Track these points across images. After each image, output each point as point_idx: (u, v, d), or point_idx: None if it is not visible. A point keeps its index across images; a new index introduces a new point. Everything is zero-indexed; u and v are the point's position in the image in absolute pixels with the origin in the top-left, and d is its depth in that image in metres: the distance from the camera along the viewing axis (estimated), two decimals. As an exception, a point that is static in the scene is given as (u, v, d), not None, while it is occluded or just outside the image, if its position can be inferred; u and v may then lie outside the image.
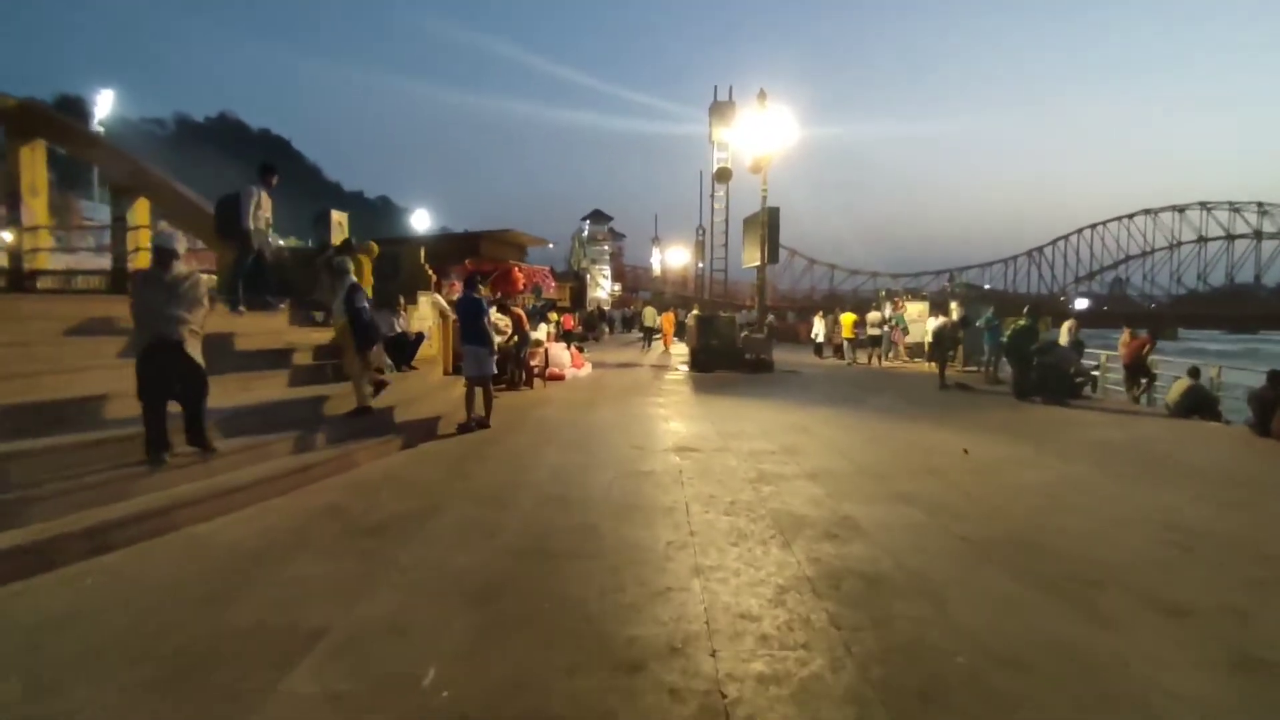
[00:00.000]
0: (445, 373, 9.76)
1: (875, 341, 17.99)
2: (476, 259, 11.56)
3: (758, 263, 17.26)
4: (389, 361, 8.27)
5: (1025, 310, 12.42)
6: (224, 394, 5.23)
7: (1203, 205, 75.21)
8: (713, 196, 17.22)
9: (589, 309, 42.95)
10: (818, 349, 20.94)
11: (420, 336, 8.91)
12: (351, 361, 6.45)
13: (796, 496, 5.04)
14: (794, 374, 15.53)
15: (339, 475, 5.31)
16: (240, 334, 6.72)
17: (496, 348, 12.33)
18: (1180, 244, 75.96)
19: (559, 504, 4.78)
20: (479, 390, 7.71)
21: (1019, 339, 11.62)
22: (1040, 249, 79.29)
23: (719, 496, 5.01)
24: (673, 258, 52.27)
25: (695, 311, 33.02)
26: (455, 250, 11.41)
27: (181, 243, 4.96)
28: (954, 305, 18.23)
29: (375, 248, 9.11)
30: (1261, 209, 73.30)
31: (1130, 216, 76.94)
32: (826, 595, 3.32)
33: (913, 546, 4.04)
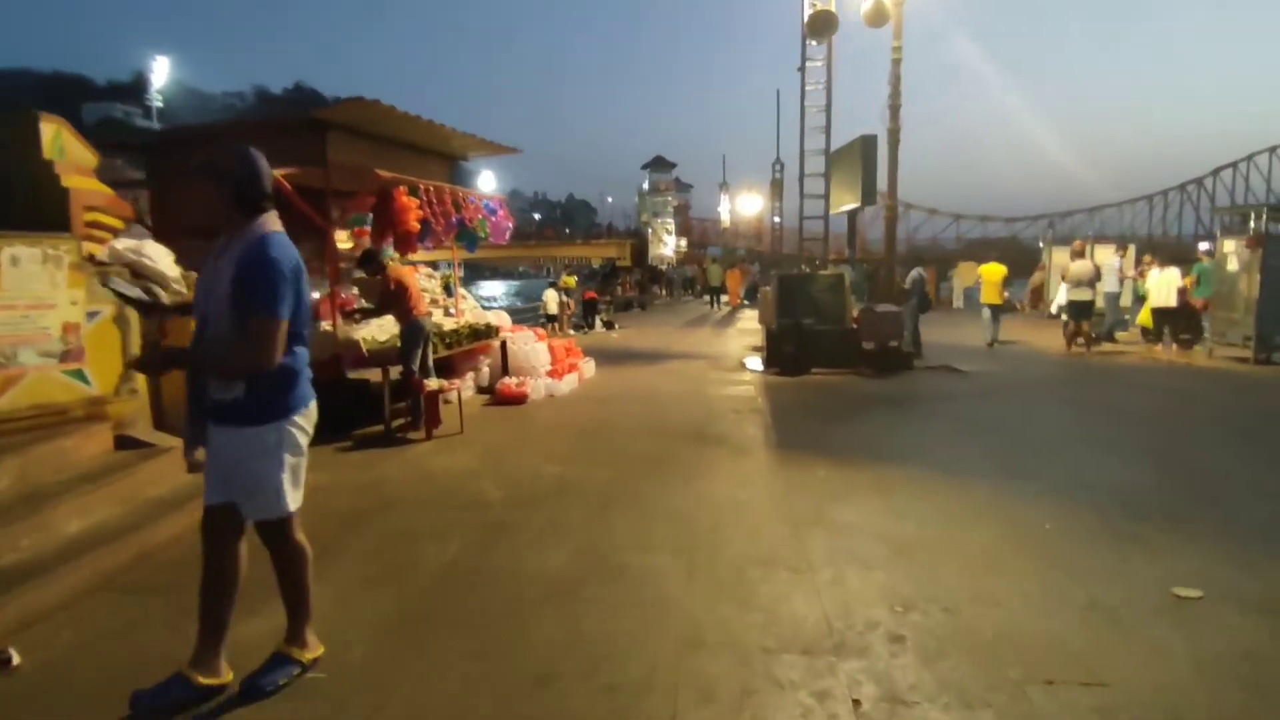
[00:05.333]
0: (119, 445, 3.82)
1: (1083, 311, 10.69)
2: (310, 171, 5.47)
3: (852, 205, 10.56)
4: None
5: None
6: None
7: None
8: (801, 70, 10.31)
9: (651, 267, 36.96)
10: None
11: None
12: None
13: None
14: (956, 374, 8.77)
15: None
16: None
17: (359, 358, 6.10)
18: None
19: None
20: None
21: None
22: (1199, 180, 64.95)
23: None
24: (744, 206, 44.61)
25: (743, 267, 25.93)
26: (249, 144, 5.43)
27: None
28: (1232, 247, 10.53)
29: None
30: None
31: (1320, 135, 61.69)
32: None
33: None
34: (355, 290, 6.73)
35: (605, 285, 27.12)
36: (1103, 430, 5.85)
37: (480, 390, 7.58)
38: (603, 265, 45.35)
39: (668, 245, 52.16)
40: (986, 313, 11.95)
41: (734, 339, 13.06)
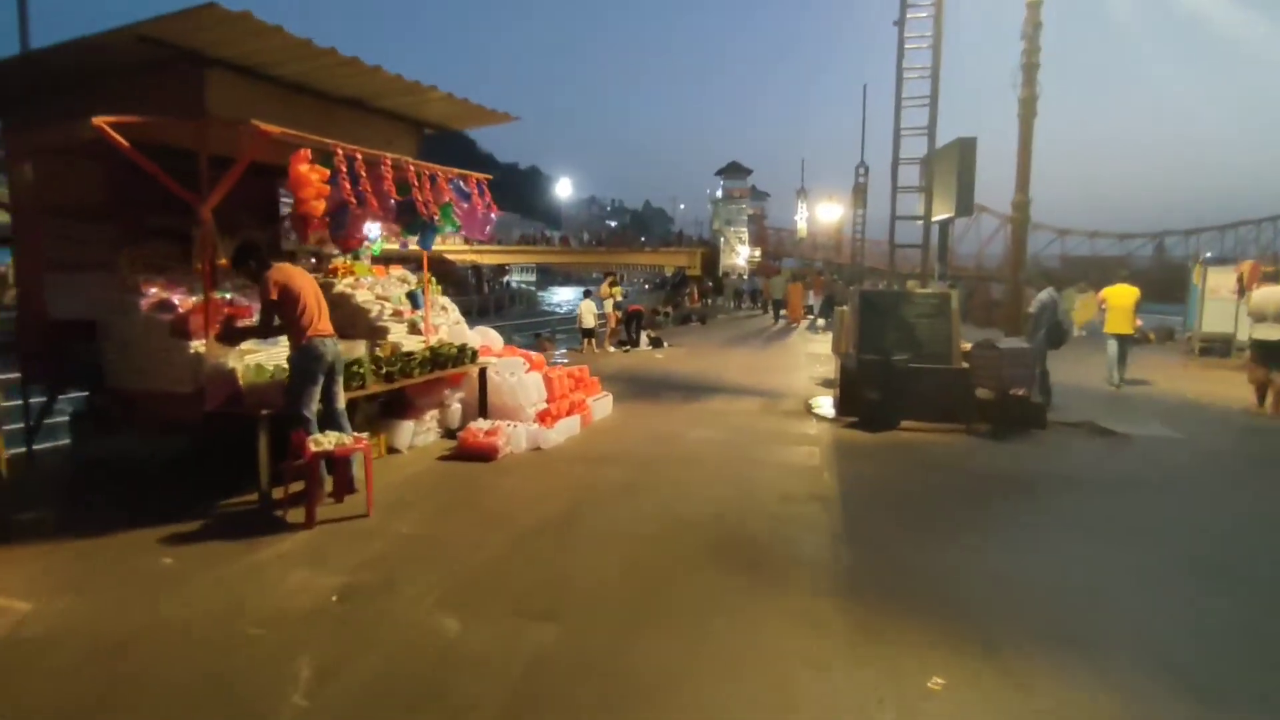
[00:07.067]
0: None
1: (1274, 355, 7.76)
2: (168, 123, 3.78)
3: (946, 215, 8.13)
4: None
5: None
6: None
7: None
8: (899, 25, 8.01)
9: (718, 277, 35.04)
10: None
11: None
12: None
13: None
14: (1111, 439, 6.21)
15: None
16: None
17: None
18: None
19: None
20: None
21: None
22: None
23: None
24: (823, 214, 41.52)
25: (814, 279, 23.28)
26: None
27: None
28: None
29: None
30: None
31: None
32: None
33: None
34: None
35: (673, 295, 25.22)
36: None
37: (448, 434, 5.72)
38: (674, 274, 43.36)
39: (740, 255, 49.71)
40: (1113, 346, 9.19)
41: (800, 367, 10.73)
